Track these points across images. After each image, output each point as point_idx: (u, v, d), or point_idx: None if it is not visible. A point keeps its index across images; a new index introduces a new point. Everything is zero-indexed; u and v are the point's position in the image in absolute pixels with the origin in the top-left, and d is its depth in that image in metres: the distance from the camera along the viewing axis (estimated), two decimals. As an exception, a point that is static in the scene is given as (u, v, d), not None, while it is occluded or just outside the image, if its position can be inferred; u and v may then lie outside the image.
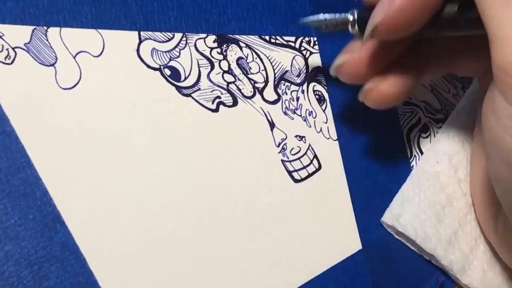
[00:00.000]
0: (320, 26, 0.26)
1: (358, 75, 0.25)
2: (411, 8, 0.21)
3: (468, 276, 0.29)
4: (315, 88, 0.30)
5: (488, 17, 0.20)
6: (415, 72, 0.26)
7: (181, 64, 0.26)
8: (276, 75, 0.28)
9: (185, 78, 0.26)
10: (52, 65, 0.23)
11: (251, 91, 0.28)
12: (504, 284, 0.29)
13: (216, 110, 0.26)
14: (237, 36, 0.28)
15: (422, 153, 0.32)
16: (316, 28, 0.27)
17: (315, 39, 0.30)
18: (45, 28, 0.23)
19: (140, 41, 0.25)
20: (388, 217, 0.29)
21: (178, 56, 0.26)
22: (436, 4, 0.22)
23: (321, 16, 0.26)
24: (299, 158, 0.28)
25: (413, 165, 0.31)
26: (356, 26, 0.25)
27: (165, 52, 0.26)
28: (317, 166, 0.28)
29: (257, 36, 0.28)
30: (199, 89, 0.26)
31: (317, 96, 0.29)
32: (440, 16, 0.22)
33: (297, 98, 0.29)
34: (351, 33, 0.25)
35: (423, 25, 0.22)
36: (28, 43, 0.23)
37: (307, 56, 0.30)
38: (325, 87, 0.30)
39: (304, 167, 0.28)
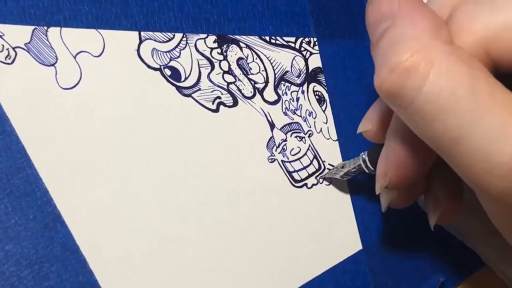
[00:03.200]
0: (342, 177, 0.28)
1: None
2: (412, 169, 0.22)
3: None
4: (315, 89, 0.30)
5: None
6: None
7: (181, 64, 0.26)
8: (276, 75, 0.28)
9: (186, 78, 0.26)
10: (53, 65, 0.23)
11: (251, 92, 0.28)
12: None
13: (216, 110, 0.26)
14: (237, 37, 0.28)
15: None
16: (336, 178, 0.29)
17: (315, 39, 0.30)
18: (46, 28, 0.23)
19: (141, 41, 0.25)
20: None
21: (179, 56, 0.26)
22: (429, 158, 0.22)
23: (339, 166, 0.28)
24: (299, 159, 0.28)
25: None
26: (370, 166, 0.26)
27: (166, 52, 0.26)
28: (317, 166, 0.28)
29: (257, 37, 0.28)
30: (199, 89, 0.26)
31: (317, 97, 0.29)
32: None
33: (297, 99, 0.29)
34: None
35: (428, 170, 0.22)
36: (29, 43, 0.23)
37: (307, 56, 0.30)
38: (325, 88, 0.30)
39: (304, 168, 0.28)
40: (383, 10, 0.19)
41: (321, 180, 0.28)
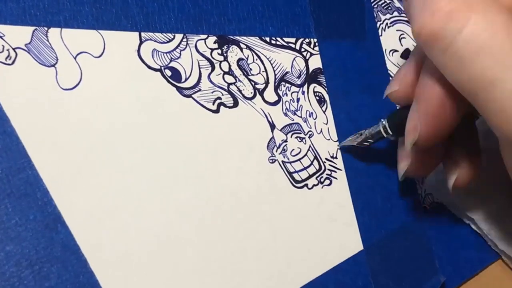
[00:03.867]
0: (360, 144, 0.28)
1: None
2: (442, 120, 0.22)
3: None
4: (316, 90, 0.30)
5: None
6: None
7: (181, 65, 0.26)
8: (277, 76, 0.29)
9: (186, 79, 0.26)
10: (53, 65, 0.23)
11: (251, 92, 0.28)
12: None
13: (216, 111, 0.26)
14: (238, 37, 0.28)
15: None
16: (353, 146, 0.29)
17: (315, 40, 0.30)
18: (46, 28, 0.23)
19: (141, 42, 0.25)
20: (433, 180, 0.29)
21: (179, 57, 0.26)
22: (462, 109, 0.22)
23: (358, 134, 0.28)
24: (299, 159, 0.28)
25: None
26: (390, 131, 0.26)
27: (166, 53, 0.26)
28: (317, 167, 0.28)
29: (257, 37, 0.28)
30: (199, 90, 0.26)
31: (317, 97, 0.29)
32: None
33: (298, 99, 0.29)
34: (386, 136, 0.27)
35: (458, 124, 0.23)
36: (29, 43, 0.23)
37: (307, 57, 0.30)
38: (326, 88, 0.30)
39: (305, 168, 0.28)
40: None
41: (322, 180, 0.28)
